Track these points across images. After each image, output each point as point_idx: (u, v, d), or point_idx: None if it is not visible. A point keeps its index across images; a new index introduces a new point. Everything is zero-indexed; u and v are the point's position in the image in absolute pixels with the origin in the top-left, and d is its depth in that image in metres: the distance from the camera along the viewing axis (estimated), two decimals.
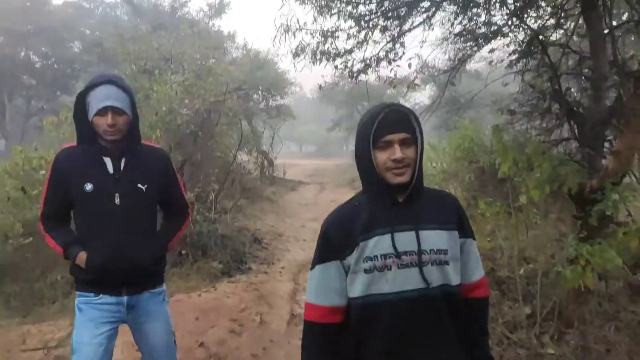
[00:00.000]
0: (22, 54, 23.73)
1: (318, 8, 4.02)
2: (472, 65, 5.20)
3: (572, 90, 4.33)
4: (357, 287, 1.41)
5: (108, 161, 2.01)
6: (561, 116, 4.17)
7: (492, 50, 4.50)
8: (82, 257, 1.99)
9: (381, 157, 1.40)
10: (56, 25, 23.12)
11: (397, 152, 1.37)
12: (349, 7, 4.04)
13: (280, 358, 3.72)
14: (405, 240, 1.39)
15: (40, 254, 5.03)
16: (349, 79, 4.45)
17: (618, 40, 3.94)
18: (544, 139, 4.38)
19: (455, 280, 1.44)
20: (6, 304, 4.59)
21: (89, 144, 2.00)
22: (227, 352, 3.59)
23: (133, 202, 2.01)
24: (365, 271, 1.39)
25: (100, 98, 1.91)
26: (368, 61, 4.31)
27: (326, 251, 1.47)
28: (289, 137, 46.49)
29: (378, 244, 1.39)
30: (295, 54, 4.12)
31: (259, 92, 15.41)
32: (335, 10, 4.01)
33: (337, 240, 1.44)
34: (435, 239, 1.41)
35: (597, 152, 3.91)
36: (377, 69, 4.30)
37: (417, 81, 6.12)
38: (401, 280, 1.38)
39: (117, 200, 1.98)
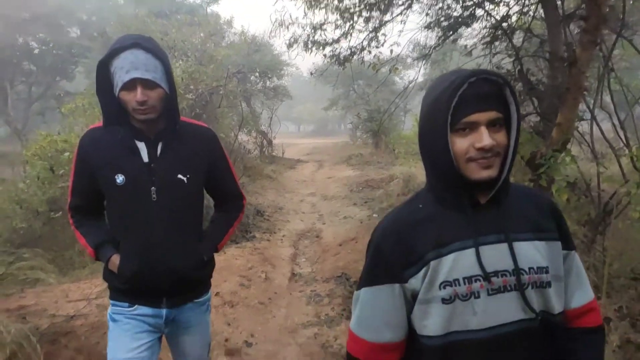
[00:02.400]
0: (21, 40, 24.01)
1: (308, 3, 4.57)
2: (462, 41, 5.66)
3: (533, 70, 4.90)
4: (433, 324, 1.04)
5: (142, 146, 1.63)
6: (524, 93, 4.76)
7: (456, 40, 5.05)
8: (114, 261, 1.68)
9: (461, 144, 1.00)
10: (53, 11, 23.37)
11: (485, 138, 0.98)
12: (335, 1, 4.60)
13: (283, 305, 4.40)
14: (495, 256, 1.02)
15: (68, 227, 5.68)
16: (337, 65, 5.02)
17: (569, 25, 4.50)
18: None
19: (558, 307, 1.08)
20: (44, 269, 5.26)
21: (118, 124, 1.61)
22: (238, 300, 4.27)
23: (173, 196, 1.65)
24: (444, 301, 1.02)
25: (126, 68, 1.48)
26: (353, 49, 4.87)
27: (378, 271, 1.08)
28: (287, 117, 46.91)
29: (458, 263, 1.02)
30: (289, 45, 4.68)
31: (256, 74, 15.88)
32: (323, 5, 4.56)
33: (394, 257, 1.06)
34: (533, 253, 1.05)
35: (553, 123, 4.53)
36: (361, 55, 4.85)
37: (409, 60, 6.69)
38: (494, 312, 1.02)
39: (154, 195, 1.62)
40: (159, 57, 1.55)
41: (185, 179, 1.68)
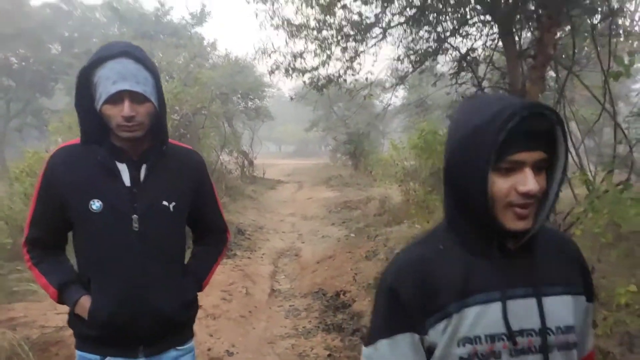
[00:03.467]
0: (1, 55, 23.93)
1: (289, 33, 4.93)
2: (435, 70, 6.04)
3: None
4: None
5: (123, 168, 1.44)
6: None
7: (423, 71, 5.47)
8: (83, 304, 1.43)
9: (501, 186, 0.87)
10: (35, 27, 23.41)
11: (531, 182, 0.86)
12: (314, 32, 4.97)
13: (263, 318, 4.63)
14: (522, 312, 0.91)
15: None
16: (316, 91, 5.37)
17: (526, 59, 4.96)
18: None
19: None
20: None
21: (97, 143, 1.42)
22: (220, 313, 4.48)
23: (157, 226, 1.45)
24: None
25: (113, 78, 1.31)
26: (331, 76, 5.24)
27: (396, 318, 0.93)
28: (268, 137, 47.28)
29: (481, 318, 0.89)
30: (271, 72, 5.02)
31: (238, 95, 16.22)
32: (303, 35, 4.93)
33: (413, 302, 0.92)
34: (561, 309, 0.94)
35: None
36: (338, 83, 5.21)
37: (387, 84, 7.11)
38: None
39: (135, 225, 1.42)
40: (149, 69, 1.38)
41: (170, 206, 1.47)
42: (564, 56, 4.91)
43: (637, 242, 4.36)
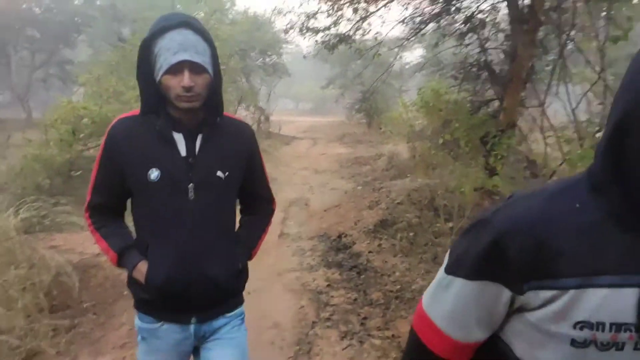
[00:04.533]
0: (24, 5, 24.19)
1: None
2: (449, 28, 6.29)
3: (498, 61, 5.60)
4: None
5: (180, 139, 1.47)
6: (488, 81, 5.47)
7: (424, 34, 5.73)
8: (141, 269, 1.49)
9: None
10: None
11: None
12: None
13: (273, 255, 5.19)
14: None
15: (86, 185, 6.43)
16: (327, 50, 5.71)
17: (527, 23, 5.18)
18: (476, 99, 5.72)
19: None
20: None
21: (155, 114, 1.45)
22: None
23: (210, 195, 1.49)
24: (574, 343, 0.77)
25: (174, 49, 1.33)
26: (342, 36, 5.56)
27: (492, 266, 0.81)
28: (285, 94, 47.22)
29: (610, 302, 0.74)
30: (286, 31, 5.36)
31: (256, 51, 16.43)
32: None
33: (520, 262, 0.78)
34: None
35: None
36: (348, 42, 5.54)
37: (405, 43, 7.39)
38: None
39: (191, 194, 1.45)
40: (207, 40, 1.40)
41: (223, 176, 1.50)
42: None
43: None
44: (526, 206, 0.81)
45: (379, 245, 5.21)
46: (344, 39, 5.55)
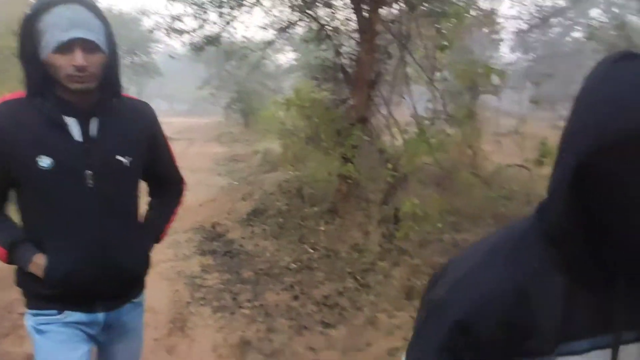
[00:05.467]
0: None
1: None
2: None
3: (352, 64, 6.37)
4: None
5: (72, 123, 1.36)
6: (341, 83, 6.19)
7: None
8: (38, 262, 1.38)
9: None
10: None
11: None
12: None
13: None
14: None
15: None
16: (195, 52, 5.95)
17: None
18: (335, 97, 6.42)
19: None
20: None
21: (42, 96, 1.33)
22: None
23: (112, 181, 1.41)
24: None
25: (63, 25, 1.23)
26: (209, 38, 5.86)
27: (458, 357, 0.66)
28: (158, 94, 45.31)
29: None
30: (151, 31, 5.50)
31: (123, 50, 15.78)
32: None
33: (494, 344, 0.64)
34: None
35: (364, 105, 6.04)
36: (217, 44, 5.86)
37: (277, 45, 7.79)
38: None
39: (90, 181, 1.36)
40: (100, 17, 1.31)
41: (126, 160, 1.42)
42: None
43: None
44: (485, 279, 0.66)
45: (252, 232, 5.63)
46: (211, 41, 5.84)
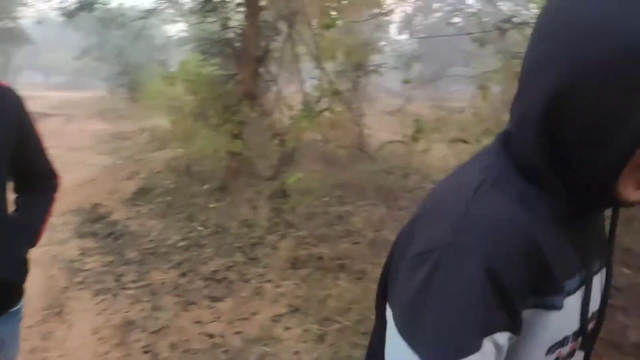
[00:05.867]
0: None
1: None
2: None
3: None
4: None
5: None
6: (231, 56, 6.11)
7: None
8: None
9: None
10: None
11: None
12: None
13: None
14: (595, 295, 0.67)
15: None
16: (66, 17, 5.46)
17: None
18: (224, 72, 6.32)
19: None
20: None
21: None
22: None
23: None
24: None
25: None
26: (83, 3, 5.41)
27: (494, 309, 0.53)
28: (31, 65, 40.58)
29: (572, 311, 0.63)
30: None
31: None
32: None
33: (515, 284, 0.55)
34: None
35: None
36: (90, 10, 5.42)
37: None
38: None
39: None
40: None
41: None
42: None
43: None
44: (495, 218, 0.56)
45: (137, 212, 5.42)
46: (83, 6, 5.40)
